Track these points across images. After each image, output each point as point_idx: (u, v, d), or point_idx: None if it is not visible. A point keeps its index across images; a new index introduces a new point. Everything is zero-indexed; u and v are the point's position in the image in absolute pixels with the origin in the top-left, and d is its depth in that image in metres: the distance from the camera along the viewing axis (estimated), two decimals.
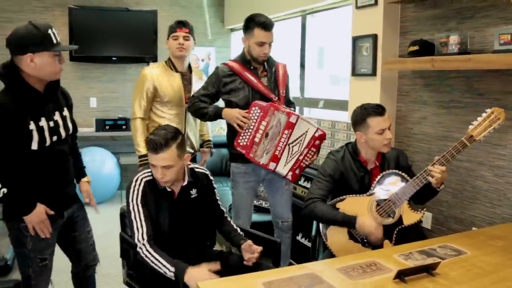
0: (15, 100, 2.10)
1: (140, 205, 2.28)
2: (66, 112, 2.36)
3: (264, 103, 2.87)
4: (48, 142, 2.20)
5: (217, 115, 2.95)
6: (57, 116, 2.28)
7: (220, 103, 3.05)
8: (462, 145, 2.26)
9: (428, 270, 1.80)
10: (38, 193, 2.25)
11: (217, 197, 2.57)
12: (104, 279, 3.54)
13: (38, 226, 2.23)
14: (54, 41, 2.12)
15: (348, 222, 2.42)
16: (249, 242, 2.38)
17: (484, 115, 2.25)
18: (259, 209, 3.89)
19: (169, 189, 2.35)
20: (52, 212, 2.28)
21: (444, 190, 2.74)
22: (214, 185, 2.57)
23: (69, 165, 2.43)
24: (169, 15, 6.09)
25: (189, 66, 3.35)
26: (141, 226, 2.24)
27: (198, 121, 3.39)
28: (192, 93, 3.18)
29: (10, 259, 2.68)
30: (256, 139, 2.87)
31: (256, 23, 2.90)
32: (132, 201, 2.28)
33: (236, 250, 2.49)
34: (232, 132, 2.96)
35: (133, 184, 2.32)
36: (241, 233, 2.52)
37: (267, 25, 2.90)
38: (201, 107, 2.98)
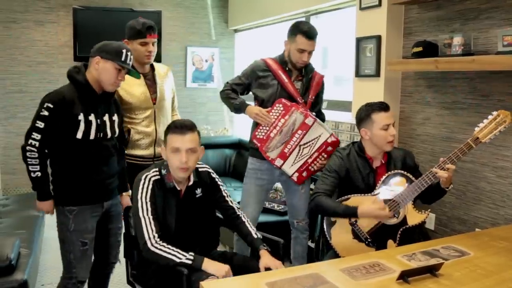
0: (73, 92, 2.43)
1: (149, 203, 2.30)
2: (115, 118, 2.61)
3: (288, 102, 2.93)
4: (92, 136, 2.46)
5: (240, 110, 3.05)
6: (106, 117, 2.54)
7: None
8: (468, 147, 2.26)
9: (431, 271, 1.80)
10: (82, 180, 2.49)
11: (224, 194, 2.56)
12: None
13: (43, 210, 2.53)
14: (123, 59, 2.46)
15: (350, 213, 2.43)
16: (266, 261, 2.33)
17: (490, 117, 2.25)
18: (264, 210, 3.89)
19: (178, 188, 2.38)
20: (53, 213, 2.54)
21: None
22: (219, 182, 2.56)
23: (113, 161, 2.62)
24: (173, 15, 6.10)
25: (151, 65, 3.19)
26: (150, 224, 2.26)
27: (170, 116, 3.28)
28: (159, 91, 3.12)
29: (14, 258, 2.69)
30: (272, 134, 2.94)
31: (300, 30, 2.92)
32: (141, 198, 2.30)
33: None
34: (255, 125, 3.05)
35: (142, 182, 2.33)
36: (259, 236, 2.48)
37: (310, 34, 2.91)
38: (230, 96, 3.08)
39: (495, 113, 2.25)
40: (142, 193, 2.31)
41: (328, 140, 2.92)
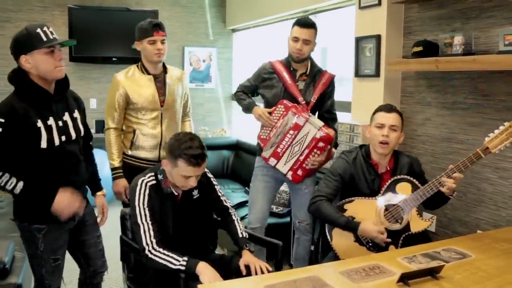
0: (23, 100, 2.17)
1: (147, 208, 2.27)
2: (76, 114, 2.39)
3: (289, 103, 2.98)
4: (57, 142, 2.22)
5: (248, 109, 3.14)
6: (66, 117, 2.31)
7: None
8: (477, 156, 2.23)
9: (432, 273, 1.79)
10: (49, 194, 2.25)
11: (219, 194, 2.56)
12: (104, 282, 3.49)
13: (67, 211, 2.24)
14: (44, 39, 2.15)
15: (351, 228, 2.41)
16: (246, 258, 2.34)
17: (501, 127, 2.21)
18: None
19: (176, 193, 2.36)
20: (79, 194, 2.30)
21: None
22: (214, 182, 2.56)
23: (81, 168, 2.41)
24: (170, 15, 6.07)
25: (164, 66, 3.18)
26: (148, 230, 2.24)
27: (179, 121, 3.28)
28: (168, 93, 3.11)
29: (8, 262, 2.64)
30: (272, 134, 3.01)
31: (295, 22, 3.03)
32: (139, 204, 2.27)
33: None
34: (261, 126, 3.12)
35: (138, 187, 2.31)
36: (244, 235, 2.48)
37: (302, 22, 3.00)
38: (241, 98, 3.20)
39: (506, 123, 2.21)
40: (139, 199, 2.28)
41: (317, 136, 2.90)
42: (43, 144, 2.18)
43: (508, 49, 2.32)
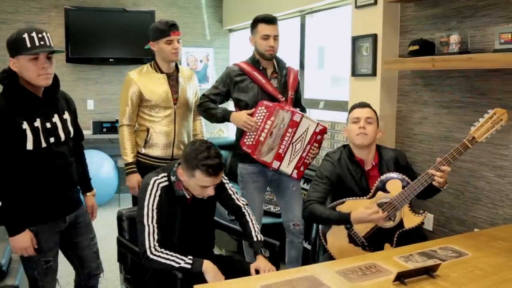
0: (9, 101, 2.15)
1: (155, 210, 2.25)
2: (67, 116, 2.37)
3: (270, 103, 2.93)
4: (43, 144, 2.20)
5: (224, 118, 3.03)
6: (55, 119, 2.28)
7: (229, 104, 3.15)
8: (464, 147, 2.23)
9: (429, 272, 1.79)
10: (38, 196, 2.25)
11: (230, 192, 2.51)
12: (101, 284, 3.49)
13: (19, 252, 2.24)
14: (28, 45, 2.11)
15: (343, 220, 2.38)
16: (257, 263, 2.31)
17: (486, 116, 2.22)
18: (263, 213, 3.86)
19: (188, 196, 2.33)
20: (35, 246, 2.25)
21: (446, 191, 2.72)
22: (224, 181, 2.49)
23: (71, 168, 2.40)
24: (167, 15, 6.05)
25: (176, 65, 3.23)
26: (154, 232, 2.22)
27: (191, 119, 3.32)
28: (181, 92, 3.14)
29: (5, 264, 2.63)
30: (261, 138, 2.93)
31: (258, 19, 3.03)
32: (148, 205, 2.25)
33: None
34: (241, 133, 3.02)
35: (150, 186, 2.27)
36: (259, 239, 2.43)
37: (268, 19, 3.02)
38: (210, 107, 3.06)
39: (490, 111, 2.22)
40: (149, 199, 2.26)
41: (317, 130, 2.97)
42: (29, 146, 2.16)
43: (503, 48, 2.32)
